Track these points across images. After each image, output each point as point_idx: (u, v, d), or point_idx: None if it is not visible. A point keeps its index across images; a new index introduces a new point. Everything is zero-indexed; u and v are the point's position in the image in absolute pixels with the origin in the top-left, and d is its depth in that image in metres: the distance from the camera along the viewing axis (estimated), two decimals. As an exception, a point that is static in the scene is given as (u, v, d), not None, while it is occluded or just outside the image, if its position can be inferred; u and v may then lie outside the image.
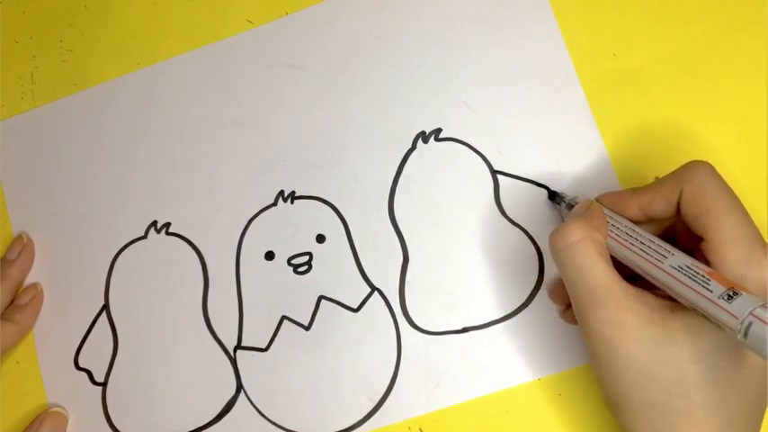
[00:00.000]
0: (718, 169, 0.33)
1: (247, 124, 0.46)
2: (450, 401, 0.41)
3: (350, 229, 0.43)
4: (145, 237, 0.45)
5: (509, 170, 0.43)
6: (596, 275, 0.32)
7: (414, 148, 0.44)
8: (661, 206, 0.34)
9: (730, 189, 0.33)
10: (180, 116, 0.47)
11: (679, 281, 0.31)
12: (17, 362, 0.45)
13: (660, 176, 0.36)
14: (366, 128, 0.44)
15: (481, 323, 0.41)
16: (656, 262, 0.32)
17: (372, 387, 0.41)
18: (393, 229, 0.43)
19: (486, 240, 0.42)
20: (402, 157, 0.44)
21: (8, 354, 0.45)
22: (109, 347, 0.44)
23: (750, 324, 0.27)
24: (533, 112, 0.43)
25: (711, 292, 0.29)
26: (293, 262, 0.44)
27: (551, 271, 0.41)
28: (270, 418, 0.42)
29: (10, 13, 0.51)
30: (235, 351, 0.43)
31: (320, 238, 0.44)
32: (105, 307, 0.45)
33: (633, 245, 0.34)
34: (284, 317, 0.43)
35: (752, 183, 0.40)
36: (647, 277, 0.33)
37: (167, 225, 0.45)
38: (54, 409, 0.44)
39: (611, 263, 0.32)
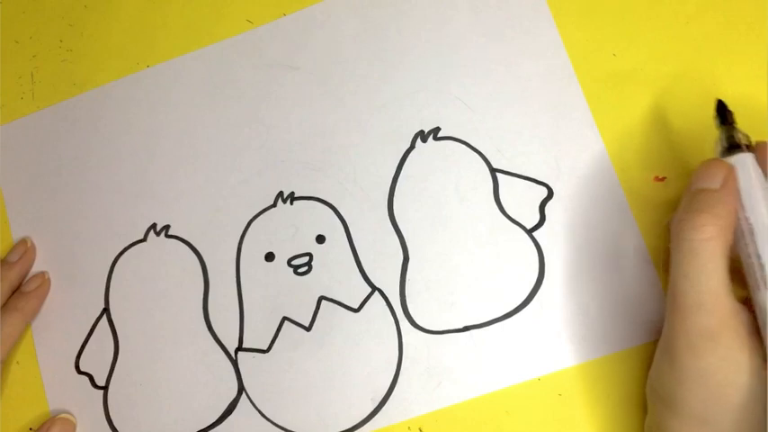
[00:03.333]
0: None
1: (246, 125, 0.46)
2: (452, 400, 0.41)
3: (350, 229, 0.43)
4: (144, 239, 0.46)
5: (508, 168, 0.43)
6: (712, 283, 0.30)
7: (413, 147, 0.44)
8: None
9: None
10: (178, 118, 0.47)
11: (760, 318, 0.30)
12: (17, 362, 0.45)
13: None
14: (365, 128, 0.44)
15: (482, 322, 0.41)
16: (753, 286, 0.31)
17: (374, 387, 0.41)
18: (393, 229, 0.43)
19: (485, 239, 0.42)
20: (401, 156, 0.44)
21: (9, 356, 0.45)
22: (110, 351, 0.45)
23: None
24: (532, 110, 0.43)
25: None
26: (293, 263, 0.44)
27: (551, 269, 0.41)
28: (272, 419, 0.42)
29: (10, 13, 0.51)
30: (236, 353, 0.43)
31: (320, 239, 0.44)
32: (106, 310, 0.45)
33: (744, 252, 0.31)
34: (285, 318, 0.43)
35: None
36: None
37: (167, 227, 0.45)
38: (62, 414, 0.44)
39: (728, 269, 0.31)
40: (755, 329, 0.31)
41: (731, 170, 0.33)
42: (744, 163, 0.32)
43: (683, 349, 0.31)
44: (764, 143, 0.33)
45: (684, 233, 0.31)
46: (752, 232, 0.31)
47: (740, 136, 0.34)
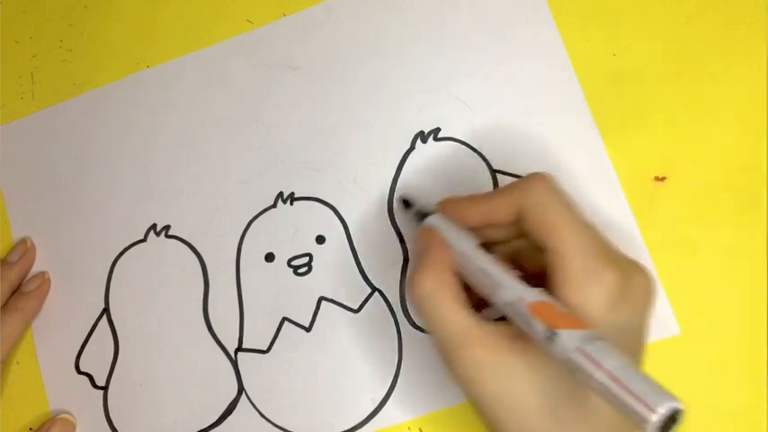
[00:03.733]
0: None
1: (246, 126, 0.46)
2: (452, 401, 0.41)
3: (350, 229, 0.43)
4: (144, 240, 0.46)
5: (508, 169, 0.43)
6: (453, 322, 0.31)
7: (413, 148, 0.44)
8: (501, 216, 0.34)
9: (570, 201, 0.33)
10: (178, 118, 0.47)
11: (513, 316, 0.31)
12: (17, 362, 0.45)
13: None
14: (365, 128, 0.44)
15: (482, 322, 0.41)
16: (490, 294, 0.32)
17: (374, 388, 0.41)
18: (393, 230, 0.43)
19: (486, 239, 0.42)
20: (401, 157, 0.44)
21: (9, 356, 0.45)
22: (110, 351, 0.45)
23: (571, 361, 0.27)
24: (532, 111, 0.43)
25: (536, 333, 0.29)
26: (293, 263, 0.44)
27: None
28: (271, 420, 0.42)
29: (10, 13, 0.51)
30: (236, 353, 0.43)
31: (320, 239, 0.44)
32: (106, 310, 0.45)
33: (471, 273, 0.33)
34: (285, 318, 0.43)
35: (751, 183, 0.40)
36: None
37: (167, 228, 0.45)
38: (62, 415, 0.44)
39: (465, 303, 0.32)
40: (518, 333, 0.31)
41: (429, 231, 0.36)
42: (437, 221, 0.36)
43: (470, 386, 0.31)
44: (440, 202, 0.37)
45: (413, 295, 0.33)
46: (463, 262, 0.34)
47: (424, 210, 0.38)
